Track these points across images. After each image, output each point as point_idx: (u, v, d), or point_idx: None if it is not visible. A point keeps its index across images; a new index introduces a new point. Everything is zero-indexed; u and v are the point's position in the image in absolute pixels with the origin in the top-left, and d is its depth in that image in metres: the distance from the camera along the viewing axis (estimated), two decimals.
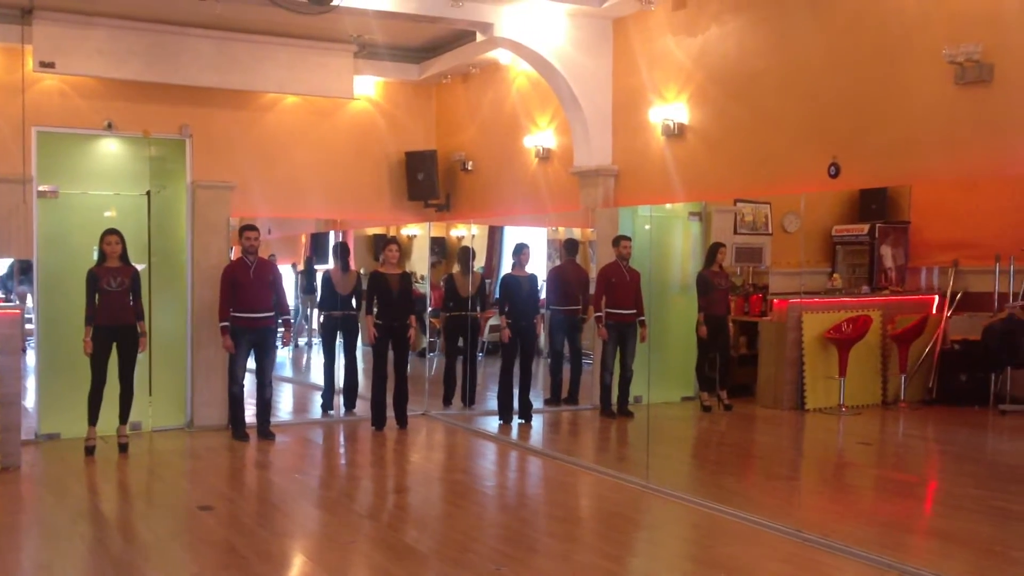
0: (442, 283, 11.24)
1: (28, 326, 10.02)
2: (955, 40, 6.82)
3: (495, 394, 10.54)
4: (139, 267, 9.14)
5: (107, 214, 9.73)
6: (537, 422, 10.40)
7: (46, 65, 10.01)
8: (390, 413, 10.08)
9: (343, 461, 9.39)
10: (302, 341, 14.53)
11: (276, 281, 9.62)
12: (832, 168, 7.76)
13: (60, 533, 6.55)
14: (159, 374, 9.88)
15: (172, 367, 10.00)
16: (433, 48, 12.04)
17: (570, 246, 10.96)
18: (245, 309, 9.28)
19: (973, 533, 6.31)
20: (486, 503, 7.56)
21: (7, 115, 10.06)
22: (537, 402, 10.60)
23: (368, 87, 12.47)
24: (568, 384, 10.92)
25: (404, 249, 10.75)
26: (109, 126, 10.33)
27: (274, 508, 7.39)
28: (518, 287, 10.20)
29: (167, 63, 10.60)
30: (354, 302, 10.77)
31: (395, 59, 12.29)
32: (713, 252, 9.22)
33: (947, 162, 7.12)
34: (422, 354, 11.97)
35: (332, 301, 10.75)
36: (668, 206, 9.81)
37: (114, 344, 8.76)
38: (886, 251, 8.65)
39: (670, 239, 10.05)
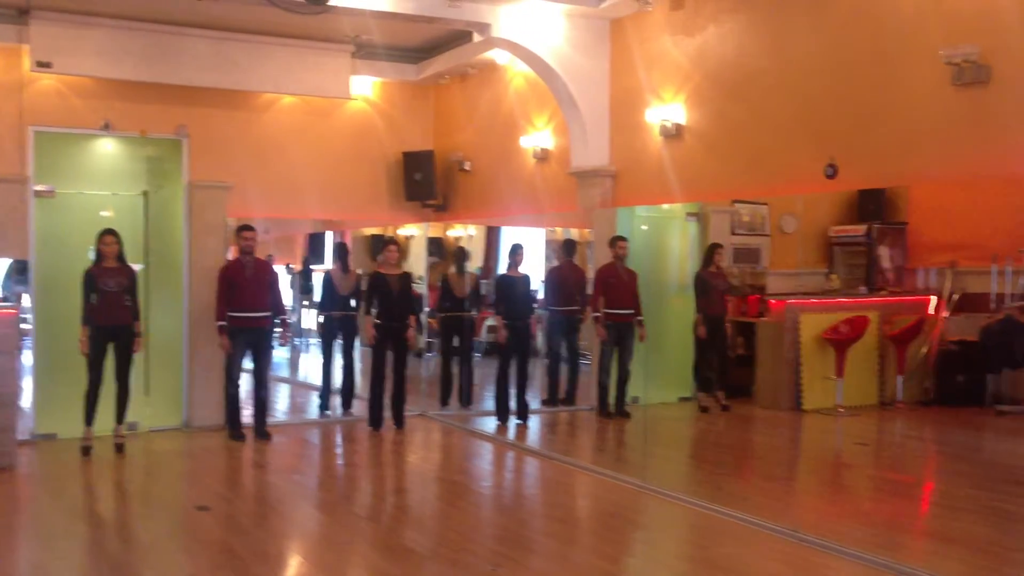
0: (438, 284, 11.24)
1: (25, 326, 10.00)
2: (952, 41, 6.82)
3: (493, 394, 10.53)
4: (136, 267, 9.12)
5: (104, 214, 9.70)
6: (534, 423, 10.39)
7: (43, 65, 10.01)
8: (387, 413, 10.07)
9: (340, 461, 9.38)
10: (299, 341, 14.51)
11: (273, 281, 9.61)
12: (830, 169, 7.76)
13: (56, 533, 6.54)
14: (156, 374, 9.86)
15: (169, 367, 9.98)
16: (431, 48, 12.04)
17: (568, 247, 10.96)
18: (242, 309, 9.27)
19: (970, 533, 6.31)
20: (483, 503, 7.55)
21: (4, 115, 10.06)
22: (535, 403, 10.59)
23: (365, 87, 12.47)
24: (566, 385, 10.92)
25: (402, 249, 10.74)
26: (106, 126, 10.31)
27: (271, 508, 7.38)
28: (513, 287, 10.19)
29: (164, 63, 10.59)
30: (353, 303, 10.77)
31: (392, 59, 12.28)
32: (711, 253, 9.22)
33: (945, 163, 7.13)
34: (419, 354, 11.96)
35: (331, 301, 10.74)
36: (666, 207, 9.82)
37: (111, 344, 8.75)
38: (884, 252, 8.66)
39: (668, 240, 10.05)
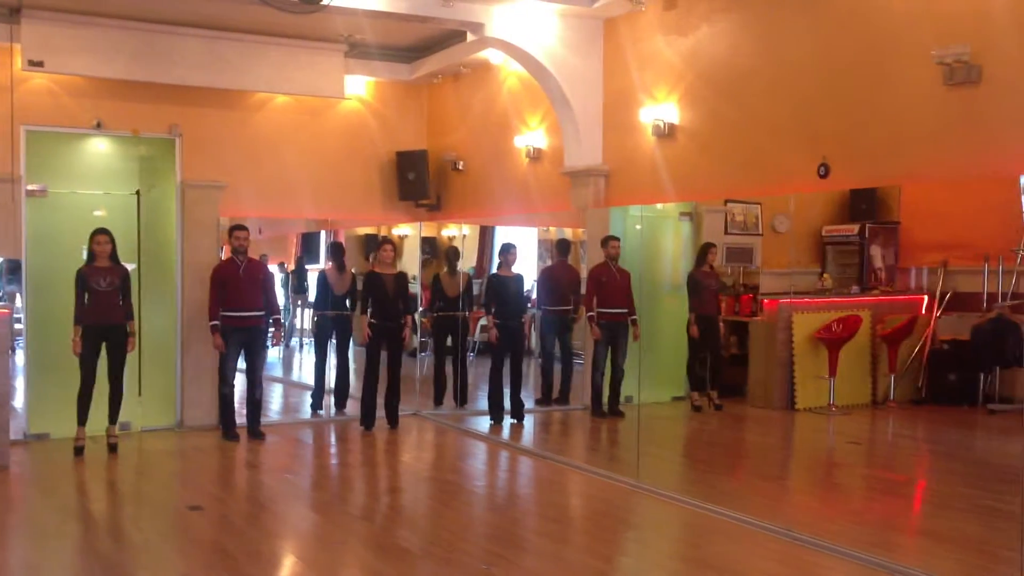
0: (430, 284, 11.24)
1: (17, 326, 9.98)
2: (944, 41, 6.84)
3: (486, 394, 10.54)
4: (129, 267, 9.11)
5: (96, 213, 9.70)
6: (528, 422, 10.40)
7: (35, 64, 9.96)
8: (380, 413, 10.07)
9: (334, 461, 9.38)
10: (293, 341, 14.50)
11: (266, 281, 9.61)
12: (822, 168, 7.77)
13: (49, 533, 6.53)
14: (149, 374, 9.85)
15: (162, 367, 9.97)
16: (424, 48, 12.02)
17: (561, 246, 10.97)
18: (235, 308, 9.27)
19: (962, 532, 6.34)
20: (476, 503, 7.56)
21: None
22: (528, 402, 10.60)
23: (359, 87, 12.45)
24: (559, 384, 10.93)
25: (397, 249, 10.73)
26: (98, 125, 10.28)
27: (264, 508, 7.38)
28: (505, 287, 10.21)
29: (157, 62, 10.55)
30: (347, 303, 10.76)
31: (386, 59, 12.26)
32: (704, 252, 9.23)
33: (936, 163, 7.15)
34: (413, 354, 11.96)
35: (326, 301, 10.74)
36: (659, 206, 9.82)
37: (103, 344, 8.74)
38: (876, 251, 8.68)
39: (661, 239, 10.06)
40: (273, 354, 12.64)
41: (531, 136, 11.33)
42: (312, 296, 11.49)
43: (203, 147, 10.73)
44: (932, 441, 8.65)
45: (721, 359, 9.47)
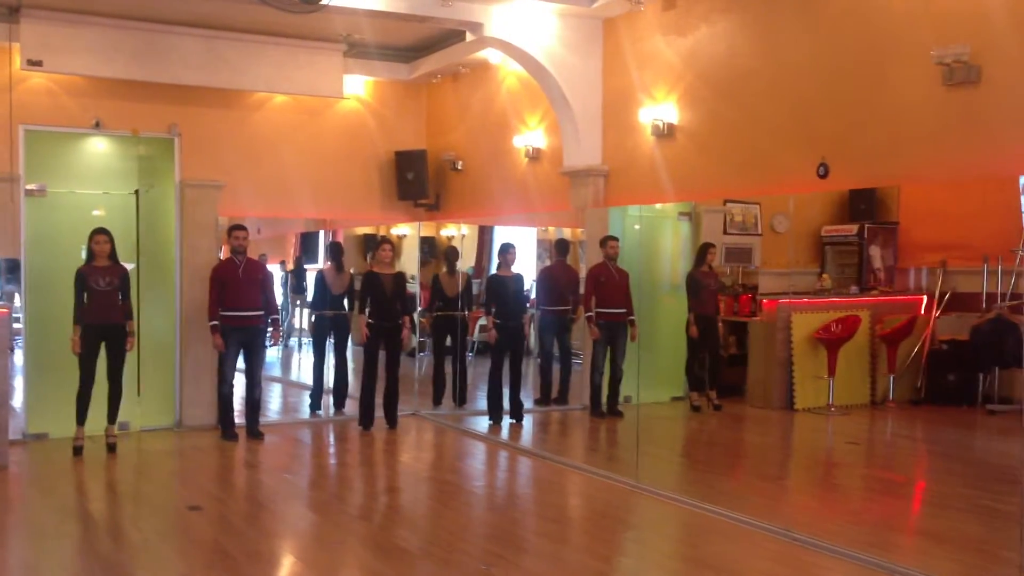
0: (429, 283, 11.24)
1: (16, 325, 9.97)
2: (943, 42, 6.84)
3: (485, 394, 10.54)
4: (128, 266, 9.10)
5: (95, 213, 9.69)
6: (527, 422, 10.40)
7: (34, 63, 9.96)
8: (379, 413, 10.07)
9: (332, 461, 9.37)
10: (292, 341, 14.50)
11: (265, 280, 9.60)
12: (821, 168, 7.77)
13: (48, 533, 6.52)
14: (148, 374, 9.84)
15: (161, 367, 9.97)
16: (423, 48, 12.02)
17: (560, 246, 10.97)
18: (234, 308, 9.26)
19: (960, 532, 6.34)
20: (475, 503, 7.56)
21: None
22: (527, 402, 10.60)
23: (358, 86, 12.45)
24: (558, 384, 10.93)
25: (396, 249, 10.73)
26: (97, 125, 10.28)
27: (263, 508, 7.38)
28: (504, 287, 10.20)
29: (156, 62, 10.55)
30: (346, 302, 10.76)
31: (385, 58, 12.26)
32: (703, 252, 9.23)
33: (935, 163, 7.15)
34: (412, 354, 11.96)
35: (324, 301, 10.74)
36: (658, 206, 9.82)
37: (102, 344, 8.73)
38: (875, 251, 8.69)
39: (660, 239, 10.06)
40: (271, 354, 12.64)
41: (530, 136, 11.33)
42: (310, 296, 11.49)
43: (202, 147, 10.73)
44: (931, 441, 8.65)
45: (720, 359, 9.47)
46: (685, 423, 9.88)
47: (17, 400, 9.69)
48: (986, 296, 7.48)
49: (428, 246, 13.07)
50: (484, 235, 12.96)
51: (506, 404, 10.29)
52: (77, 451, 8.68)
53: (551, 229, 11.62)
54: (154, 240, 10.01)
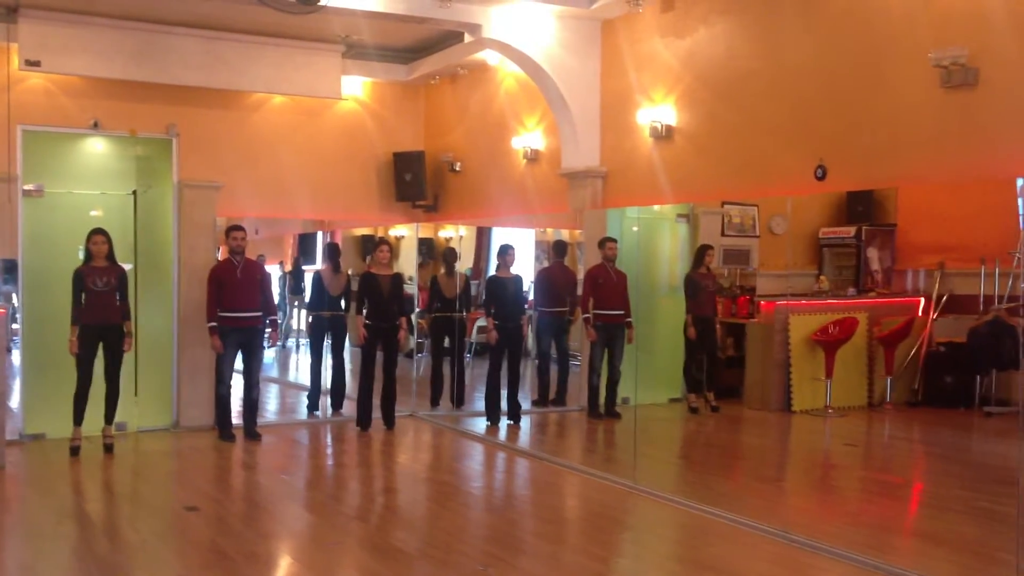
0: (428, 285, 11.24)
1: (14, 325, 9.96)
2: (941, 44, 6.85)
3: (483, 395, 10.53)
4: (126, 267, 9.10)
5: (93, 213, 9.68)
6: (525, 423, 10.40)
7: (32, 63, 9.96)
8: (376, 414, 10.07)
9: (330, 462, 9.37)
10: (290, 342, 14.50)
11: (264, 281, 9.60)
12: (819, 170, 7.78)
13: (44, 533, 6.52)
14: (145, 374, 9.84)
15: (158, 367, 9.96)
16: (421, 49, 12.03)
17: (559, 248, 10.97)
18: (232, 309, 9.26)
19: (958, 534, 6.34)
20: (473, 504, 7.55)
21: None
22: (525, 403, 10.59)
23: (356, 87, 12.45)
24: (556, 385, 10.93)
25: (393, 250, 10.73)
26: (95, 125, 10.28)
27: (260, 509, 7.37)
28: (503, 288, 10.20)
29: (154, 62, 10.55)
30: (343, 303, 10.76)
31: (383, 59, 12.27)
32: (701, 254, 9.23)
33: (933, 165, 7.15)
34: (409, 355, 11.95)
35: (321, 301, 10.73)
36: (656, 208, 9.83)
37: (100, 344, 8.72)
38: (872, 253, 8.69)
39: (658, 241, 10.07)
40: (268, 354, 12.63)
41: (528, 137, 11.34)
42: (308, 297, 11.49)
43: (200, 147, 10.73)
44: (928, 443, 8.66)
45: (718, 361, 9.47)
46: (683, 424, 9.88)
47: (14, 400, 9.68)
48: (984, 298, 7.48)
49: (426, 247, 13.06)
50: (482, 236, 12.96)
51: (504, 405, 10.29)
52: (74, 451, 8.67)
53: (549, 230, 11.62)
54: (152, 241, 10.00)
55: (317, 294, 10.79)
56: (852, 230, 8.68)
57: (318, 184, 12.13)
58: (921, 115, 7.12)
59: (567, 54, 10.16)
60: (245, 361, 9.51)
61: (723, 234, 9.45)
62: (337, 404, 10.87)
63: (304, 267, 13.68)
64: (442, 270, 11.13)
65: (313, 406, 10.91)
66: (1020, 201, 6.70)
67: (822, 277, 8.88)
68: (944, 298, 7.90)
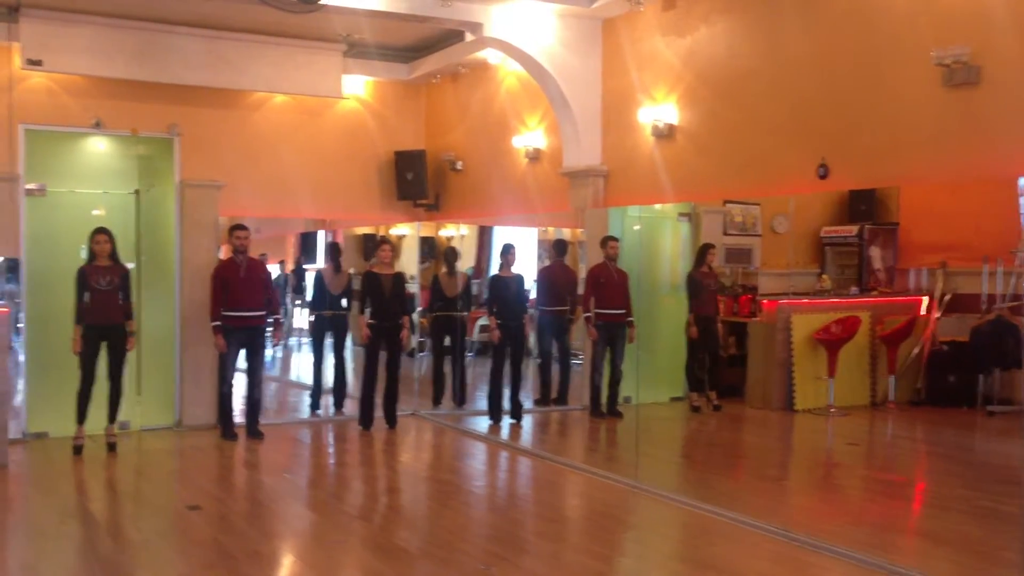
0: (429, 284, 11.24)
1: (18, 325, 9.96)
2: (943, 42, 6.84)
3: (485, 394, 10.53)
4: (128, 266, 9.10)
5: (95, 212, 9.69)
6: (527, 422, 10.40)
7: (33, 63, 9.95)
8: (378, 413, 10.07)
9: (332, 461, 9.37)
10: (292, 341, 14.49)
11: (268, 280, 9.61)
12: (821, 169, 7.78)
13: (47, 532, 6.52)
14: (147, 373, 9.85)
15: (161, 366, 9.97)
16: (423, 48, 12.02)
17: (559, 247, 10.97)
18: (236, 308, 9.26)
19: (961, 533, 6.34)
20: (475, 503, 7.56)
21: None
22: (527, 402, 10.60)
23: (357, 86, 12.45)
24: (558, 384, 10.93)
25: (395, 249, 10.73)
26: (97, 124, 10.28)
27: (263, 507, 7.38)
28: (506, 288, 10.21)
29: (155, 61, 10.55)
30: (344, 302, 10.76)
31: (384, 58, 12.26)
32: (703, 253, 9.24)
33: (936, 164, 7.15)
34: (411, 354, 11.96)
35: (322, 301, 10.74)
36: (658, 207, 9.82)
37: (103, 343, 8.73)
38: (875, 252, 8.69)
39: (660, 240, 10.07)
40: (268, 353, 12.63)
41: (530, 136, 11.33)
42: (309, 296, 11.50)
43: (202, 146, 10.73)
44: (931, 442, 8.65)
45: (720, 360, 9.48)
46: (685, 424, 9.88)
47: (17, 399, 9.68)
48: (986, 297, 7.47)
49: (428, 246, 13.06)
50: (484, 235, 12.96)
51: (506, 404, 10.29)
52: (77, 450, 8.68)
53: (551, 229, 11.62)
54: (154, 240, 10.01)
55: (318, 293, 10.80)
56: (854, 229, 8.68)
57: (319, 183, 12.12)
58: (923, 114, 7.12)
59: (568, 53, 10.15)
60: (248, 360, 9.52)
61: (725, 233, 9.45)
62: (339, 403, 10.87)
63: (305, 266, 13.69)
64: (443, 269, 11.13)
65: (315, 405, 10.92)
66: (1022, 200, 6.70)
67: (824, 276, 8.88)
68: (947, 297, 7.89)
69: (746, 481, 8.25)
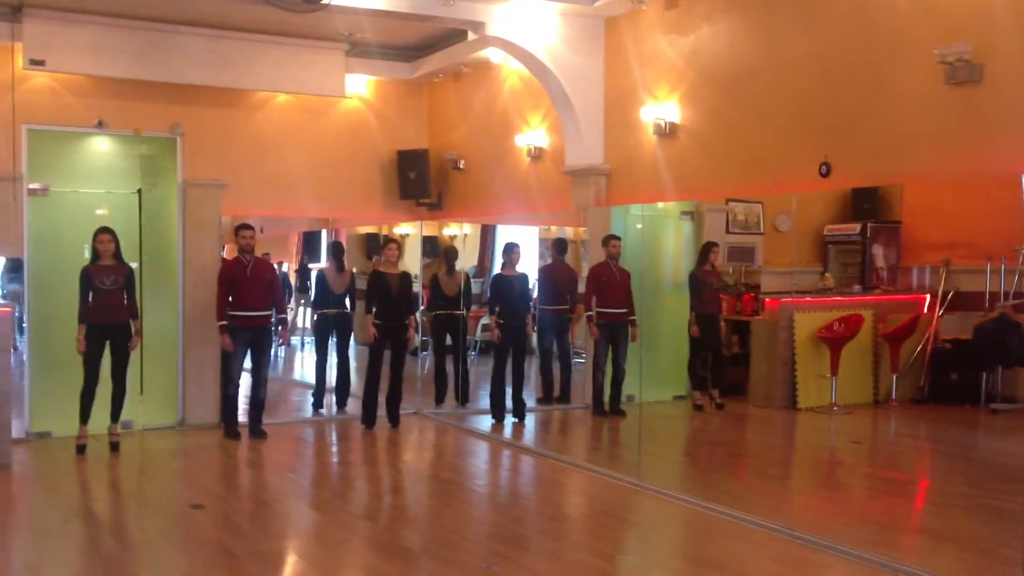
0: (429, 283, 11.24)
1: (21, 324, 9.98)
2: (945, 40, 6.84)
3: (488, 393, 10.53)
4: (132, 265, 9.11)
5: (98, 212, 9.69)
6: (529, 421, 10.40)
7: (36, 63, 9.97)
8: (381, 412, 10.07)
9: (335, 460, 9.38)
10: (295, 340, 14.50)
11: (273, 280, 9.60)
12: (823, 167, 7.77)
13: (51, 532, 6.53)
14: (150, 372, 9.85)
15: (164, 365, 9.97)
16: (425, 47, 12.03)
17: (559, 246, 10.96)
18: (242, 308, 9.26)
19: (964, 531, 6.33)
20: (478, 502, 7.56)
21: None
22: (529, 401, 10.60)
23: (360, 86, 12.46)
24: (560, 383, 10.93)
25: (400, 248, 10.74)
26: (100, 124, 10.28)
27: (266, 507, 7.38)
28: (509, 287, 10.20)
29: (158, 61, 10.56)
30: (347, 301, 10.76)
31: (387, 58, 12.27)
32: (705, 251, 9.23)
33: (938, 162, 7.14)
34: (414, 353, 11.96)
35: (325, 300, 10.74)
36: (660, 205, 9.82)
37: (107, 342, 8.74)
38: (877, 250, 8.68)
39: (662, 238, 10.06)
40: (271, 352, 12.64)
41: (532, 135, 11.34)
42: (312, 295, 11.50)
43: (205, 146, 10.75)
44: (934, 440, 8.64)
45: (722, 358, 9.46)
46: (687, 422, 9.87)
47: (21, 398, 9.69)
48: (989, 295, 7.47)
49: (430, 245, 13.07)
50: (486, 234, 12.97)
51: (509, 403, 10.29)
52: (80, 450, 8.69)
53: (553, 228, 11.62)
54: (157, 239, 10.01)
55: (321, 292, 10.80)
56: (857, 227, 8.67)
57: (322, 182, 12.14)
58: (926, 112, 7.11)
59: (571, 51, 10.15)
60: (254, 360, 9.51)
61: (727, 231, 9.44)
62: (342, 402, 10.87)
63: (309, 265, 13.70)
64: (442, 269, 11.13)
65: (318, 404, 10.92)
66: None
67: (827, 274, 8.87)
68: (950, 295, 7.89)
69: (749, 479, 8.24)
